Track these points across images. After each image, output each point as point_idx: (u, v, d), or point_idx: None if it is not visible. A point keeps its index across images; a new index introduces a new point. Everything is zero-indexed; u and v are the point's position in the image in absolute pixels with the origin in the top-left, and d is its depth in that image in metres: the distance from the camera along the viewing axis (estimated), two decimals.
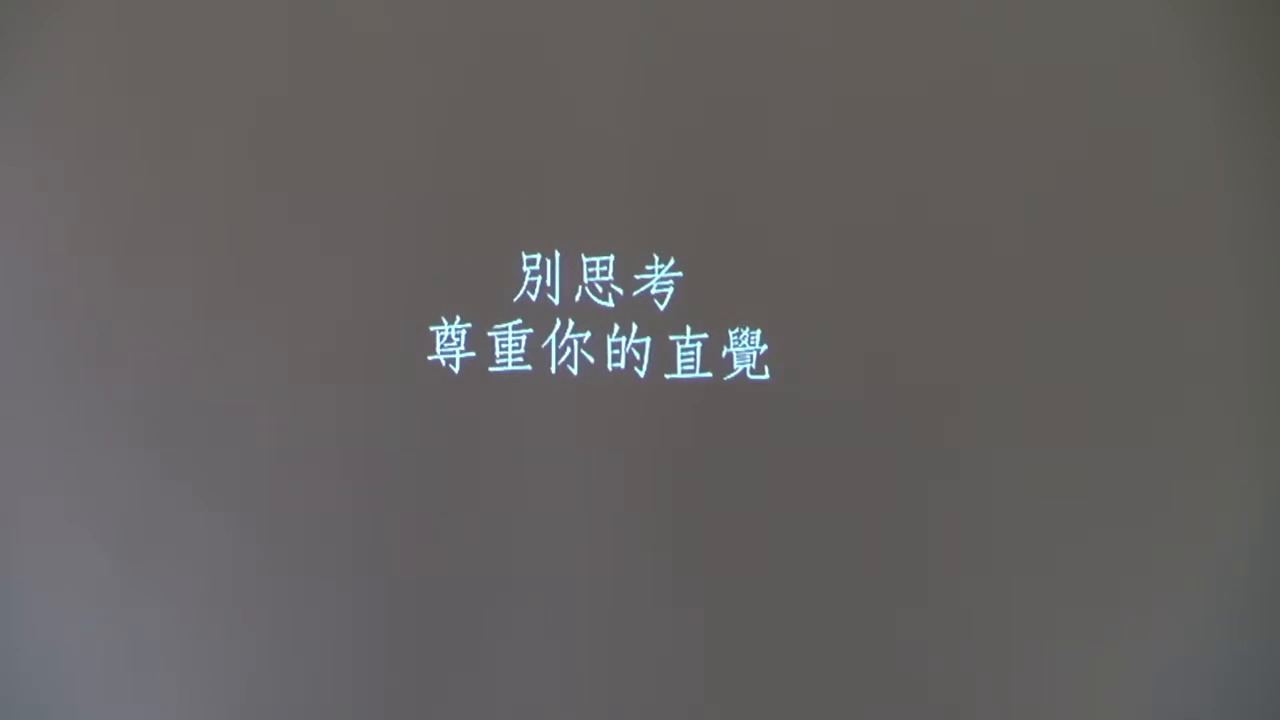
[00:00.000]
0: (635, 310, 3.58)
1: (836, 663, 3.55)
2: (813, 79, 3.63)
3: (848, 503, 3.57)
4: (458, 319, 3.59)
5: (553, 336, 3.58)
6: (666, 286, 3.57)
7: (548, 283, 3.58)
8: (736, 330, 3.57)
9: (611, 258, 3.58)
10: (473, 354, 3.59)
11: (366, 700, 3.52)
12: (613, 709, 3.53)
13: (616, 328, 3.58)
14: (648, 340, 3.57)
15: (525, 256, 3.58)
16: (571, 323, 3.58)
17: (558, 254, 3.58)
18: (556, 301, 3.58)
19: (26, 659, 3.50)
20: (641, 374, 3.57)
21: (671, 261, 3.57)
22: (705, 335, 3.56)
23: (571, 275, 3.58)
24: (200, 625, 3.50)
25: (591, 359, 3.58)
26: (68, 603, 3.52)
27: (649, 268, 3.58)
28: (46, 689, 3.50)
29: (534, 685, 3.53)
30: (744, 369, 3.57)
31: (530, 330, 3.59)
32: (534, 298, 3.59)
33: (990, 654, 3.56)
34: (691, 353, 3.57)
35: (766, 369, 3.57)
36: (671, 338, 3.57)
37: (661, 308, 3.58)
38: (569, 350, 3.58)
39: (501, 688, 3.52)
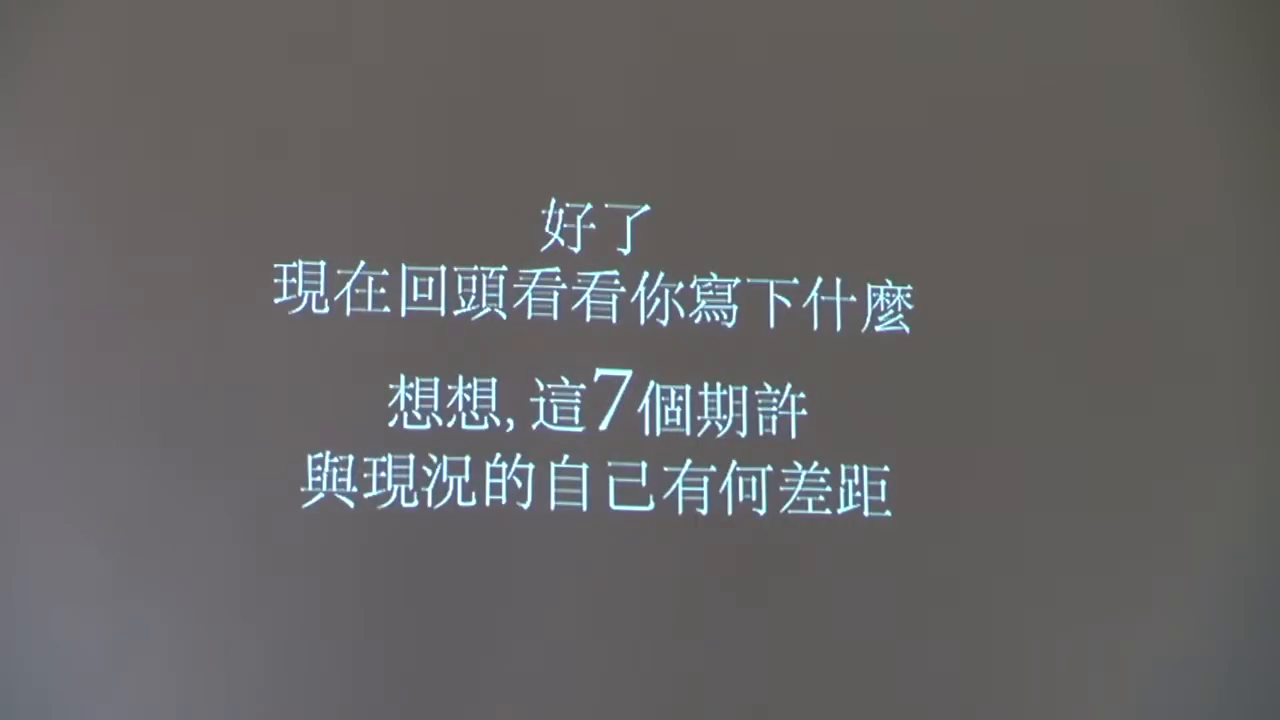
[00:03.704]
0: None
1: (839, 663, 3.56)
2: (814, 78, 3.69)
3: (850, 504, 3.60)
4: None
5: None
6: None
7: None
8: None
9: None
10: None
11: (367, 700, 3.51)
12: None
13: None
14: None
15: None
16: None
17: None
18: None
19: (27, 659, 3.49)
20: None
21: None
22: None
23: None
24: (201, 626, 3.49)
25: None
26: (68, 603, 3.50)
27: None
28: (47, 689, 3.48)
29: (544, 663, 3.54)
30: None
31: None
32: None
33: (991, 653, 3.57)
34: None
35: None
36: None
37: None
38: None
39: (504, 687, 3.52)
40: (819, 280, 3.63)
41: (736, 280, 3.62)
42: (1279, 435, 3.68)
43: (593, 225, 3.62)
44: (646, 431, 3.57)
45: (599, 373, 3.58)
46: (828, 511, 3.57)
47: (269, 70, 3.63)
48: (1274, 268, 3.73)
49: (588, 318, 3.60)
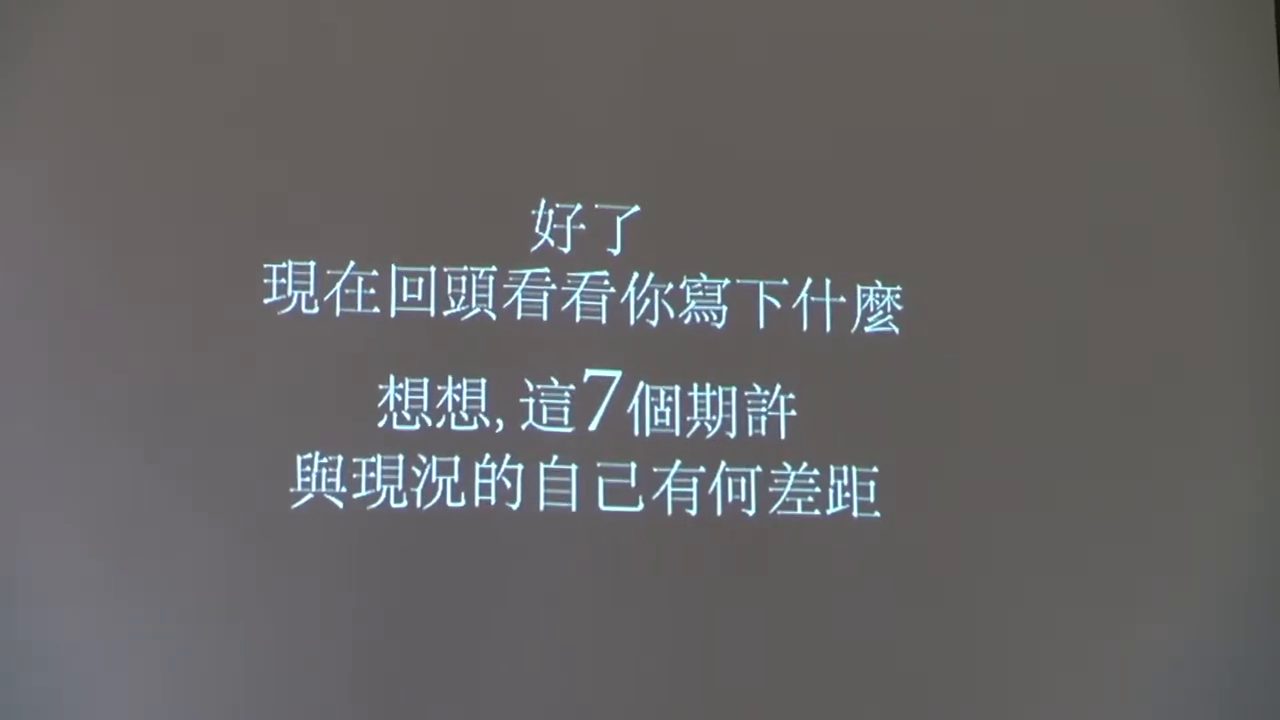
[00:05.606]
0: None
1: (829, 664, 3.56)
2: (805, 78, 3.69)
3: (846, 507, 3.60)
4: None
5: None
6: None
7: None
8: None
9: None
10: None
11: (357, 699, 3.52)
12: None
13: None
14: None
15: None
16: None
17: None
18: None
19: (25, 660, 3.50)
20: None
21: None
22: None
23: None
24: (189, 626, 3.49)
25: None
26: (64, 603, 3.51)
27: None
28: (47, 689, 3.49)
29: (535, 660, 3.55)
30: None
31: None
32: None
33: (982, 653, 3.57)
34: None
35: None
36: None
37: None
38: None
39: (493, 688, 3.53)
40: (808, 281, 3.64)
41: (726, 281, 3.62)
42: (1279, 435, 3.67)
43: (582, 226, 3.62)
44: (636, 432, 3.58)
45: (588, 373, 3.58)
46: (817, 512, 3.57)
47: (263, 71, 3.64)
48: (1274, 268, 3.72)
49: (577, 318, 3.60)
